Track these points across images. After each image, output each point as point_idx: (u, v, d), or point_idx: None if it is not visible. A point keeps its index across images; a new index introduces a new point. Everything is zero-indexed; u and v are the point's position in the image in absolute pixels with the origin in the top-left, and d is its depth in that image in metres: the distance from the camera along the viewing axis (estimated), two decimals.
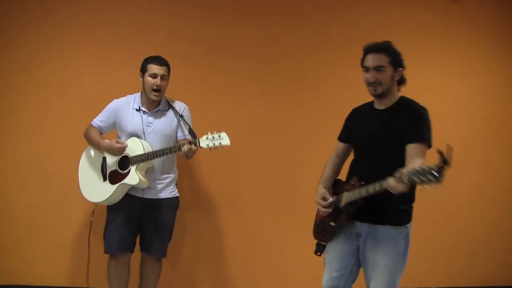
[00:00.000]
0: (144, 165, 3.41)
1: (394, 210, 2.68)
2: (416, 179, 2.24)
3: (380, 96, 2.75)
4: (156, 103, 3.52)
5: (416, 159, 2.52)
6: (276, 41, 4.19)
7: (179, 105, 3.58)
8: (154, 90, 3.45)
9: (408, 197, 2.65)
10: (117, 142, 3.47)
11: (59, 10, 4.12)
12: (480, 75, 4.26)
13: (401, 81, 2.79)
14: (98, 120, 3.57)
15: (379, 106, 2.80)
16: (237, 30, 4.20)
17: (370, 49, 2.75)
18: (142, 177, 3.39)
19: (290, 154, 4.19)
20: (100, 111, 3.60)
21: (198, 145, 3.23)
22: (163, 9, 4.19)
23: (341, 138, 3.02)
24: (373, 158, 2.72)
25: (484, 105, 4.28)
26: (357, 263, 2.82)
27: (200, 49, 4.18)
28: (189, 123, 3.49)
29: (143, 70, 3.49)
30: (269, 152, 4.20)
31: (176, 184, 3.65)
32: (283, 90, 4.21)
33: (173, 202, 3.60)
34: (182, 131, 3.55)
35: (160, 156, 3.35)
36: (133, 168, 3.38)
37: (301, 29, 4.21)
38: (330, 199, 2.84)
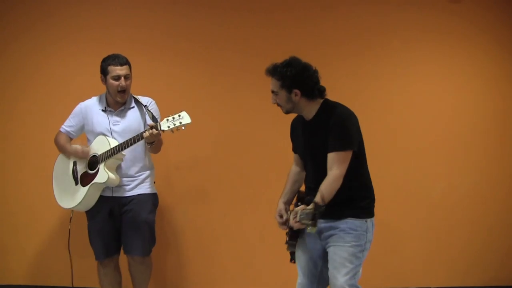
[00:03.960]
0: (112, 161, 3.37)
1: (355, 207, 2.70)
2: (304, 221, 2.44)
3: (289, 113, 2.79)
4: (122, 102, 3.51)
5: (333, 170, 2.60)
6: (276, 37, 4.15)
7: (145, 100, 3.54)
8: (119, 92, 3.42)
9: (365, 194, 2.75)
10: (82, 147, 3.45)
11: (59, 11, 4.16)
12: (480, 74, 4.18)
13: (311, 95, 2.71)
14: (66, 126, 3.55)
15: (306, 117, 2.79)
16: (233, 27, 4.19)
17: (266, 71, 2.73)
18: (111, 174, 3.34)
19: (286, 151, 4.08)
20: None
21: (159, 128, 3.19)
22: (162, 6, 4.21)
23: (293, 149, 3.01)
24: (314, 166, 2.77)
25: (484, 104, 4.17)
26: (325, 266, 2.75)
27: (195, 45, 4.19)
28: (156, 115, 3.41)
29: (104, 72, 3.44)
30: (263, 148, 4.14)
31: (154, 182, 3.59)
32: None
33: (149, 199, 3.52)
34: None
35: (124, 148, 3.31)
36: (101, 166, 3.35)
37: (299, 25, 4.16)
38: (285, 216, 2.81)
